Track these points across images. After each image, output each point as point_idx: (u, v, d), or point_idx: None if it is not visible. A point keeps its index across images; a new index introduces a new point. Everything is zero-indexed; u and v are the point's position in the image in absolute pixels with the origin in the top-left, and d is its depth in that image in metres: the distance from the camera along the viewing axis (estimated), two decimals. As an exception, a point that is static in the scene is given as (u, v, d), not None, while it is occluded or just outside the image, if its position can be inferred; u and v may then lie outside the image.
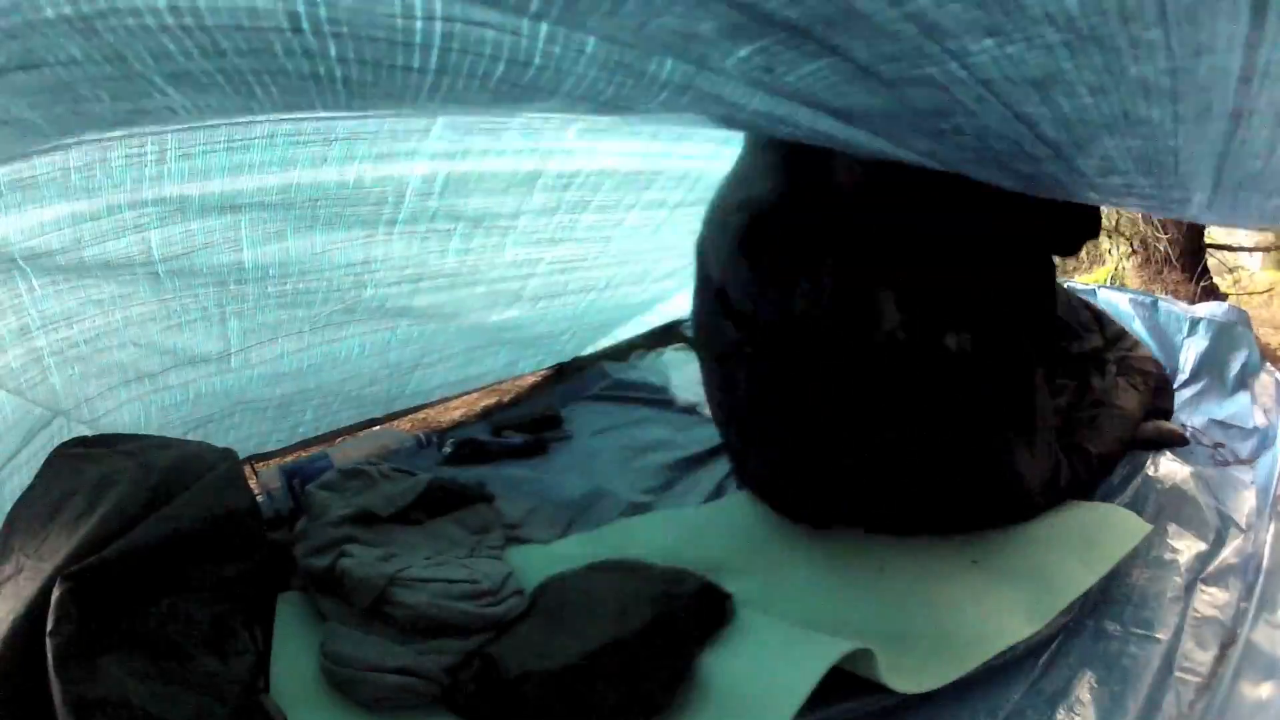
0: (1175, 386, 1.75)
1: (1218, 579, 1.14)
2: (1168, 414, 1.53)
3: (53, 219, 1.03)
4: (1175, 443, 1.50)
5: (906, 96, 0.52)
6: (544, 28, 0.42)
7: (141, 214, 1.11)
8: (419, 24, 0.40)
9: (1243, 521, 1.28)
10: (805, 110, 0.57)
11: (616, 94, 0.52)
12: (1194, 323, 1.80)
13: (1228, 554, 1.19)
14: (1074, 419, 1.34)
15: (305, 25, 0.39)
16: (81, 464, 1.04)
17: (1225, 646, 1.02)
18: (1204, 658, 1.00)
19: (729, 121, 0.63)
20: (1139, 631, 1.05)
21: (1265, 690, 0.95)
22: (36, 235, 1.03)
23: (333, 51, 0.41)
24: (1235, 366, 1.69)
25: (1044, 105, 0.50)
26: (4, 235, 1.01)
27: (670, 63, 0.49)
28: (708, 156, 1.62)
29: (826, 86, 0.51)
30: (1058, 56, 0.43)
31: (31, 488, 1.03)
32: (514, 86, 0.48)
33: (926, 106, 0.53)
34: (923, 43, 0.43)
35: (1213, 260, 3.15)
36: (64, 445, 1.11)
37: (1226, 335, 1.74)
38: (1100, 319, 1.61)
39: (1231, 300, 1.90)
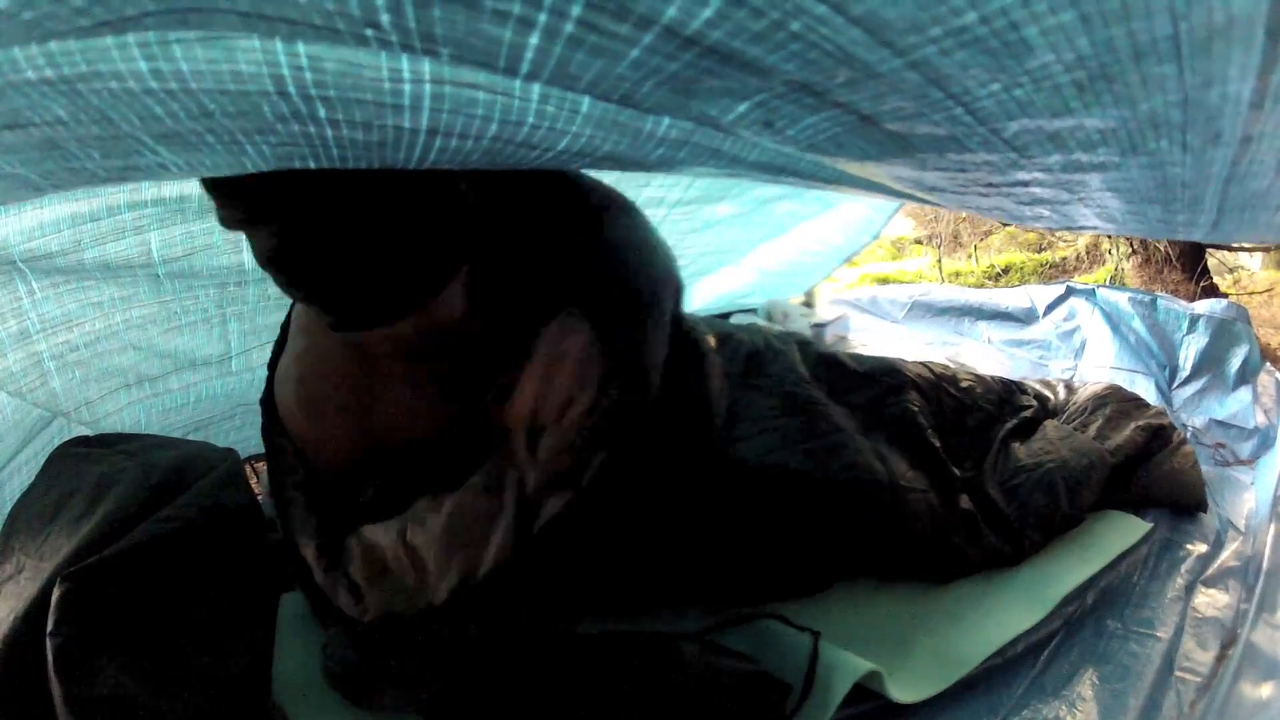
0: (1175, 385, 1.75)
1: (1218, 580, 1.14)
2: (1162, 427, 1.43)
3: (52, 220, 1.03)
4: (1193, 505, 1.32)
5: (909, 144, 0.52)
6: (536, 88, 0.42)
7: (141, 215, 1.11)
8: (407, 86, 0.40)
9: (1242, 523, 1.28)
10: (808, 159, 0.57)
11: (613, 150, 0.52)
12: (1193, 320, 1.80)
13: (1228, 555, 1.19)
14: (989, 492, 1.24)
15: (291, 88, 0.39)
16: (82, 464, 1.04)
17: (1225, 647, 1.03)
18: (1204, 658, 1.01)
19: (729, 172, 0.63)
20: (1140, 630, 1.05)
21: (1265, 690, 0.95)
22: (36, 237, 1.04)
23: (321, 113, 0.41)
24: (1235, 364, 1.69)
25: (1051, 143, 0.50)
26: (3, 237, 1.01)
27: (667, 120, 0.49)
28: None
29: (829, 139, 0.51)
30: (1066, 96, 0.43)
31: (32, 488, 1.04)
32: (508, 144, 0.48)
33: (930, 151, 0.53)
34: (927, 90, 0.43)
35: (1213, 260, 3.16)
36: (65, 445, 1.11)
37: (1226, 332, 1.74)
38: (1038, 396, 1.52)
39: (1232, 300, 1.90)
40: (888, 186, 0.67)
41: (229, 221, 0.70)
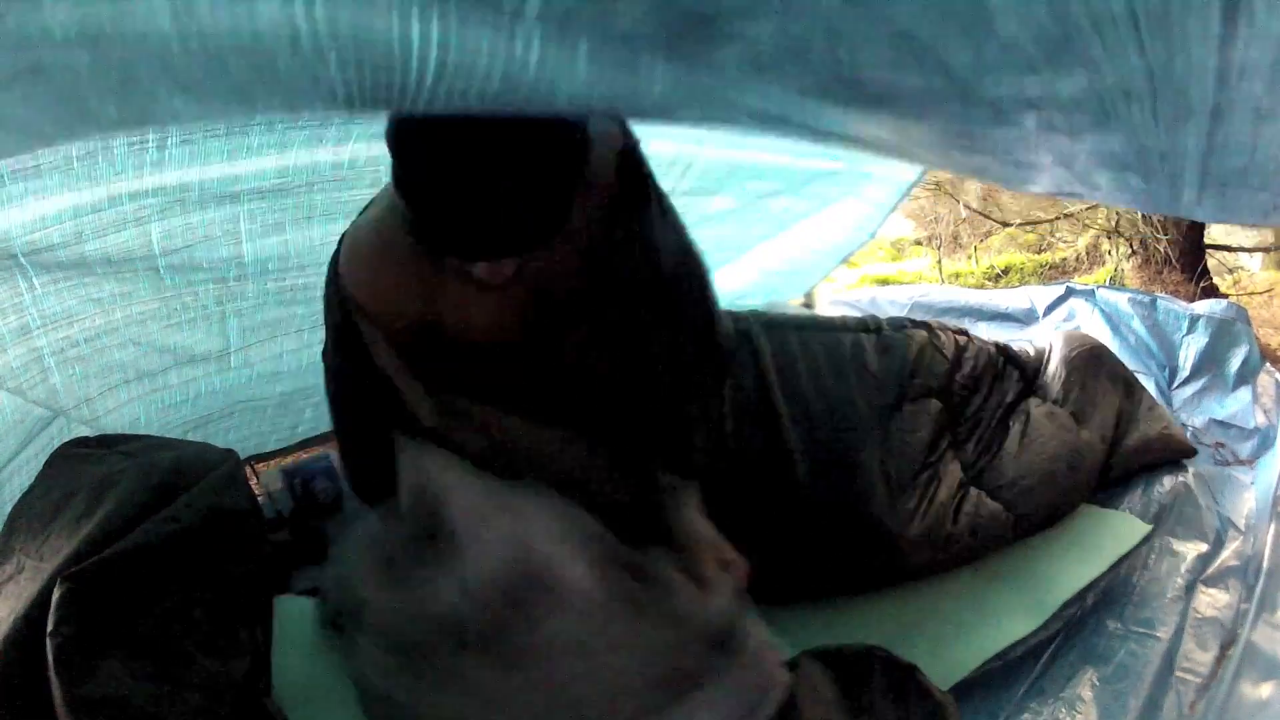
0: (1175, 385, 1.76)
1: (1218, 580, 1.14)
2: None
3: (54, 212, 1.02)
4: (1183, 454, 1.46)
5: (891, 99, 0.53)
6: (538, 32, 0.43)
7: (142, 205, 1.10)
8: (415, 34, 0.42)
9: (1242, 522, 1.28)
10: (808, 106, 0.57)
11: (610, 93, 0.53)
12: (1193, 320, 1.80)
13: (1228, 555, 1.19)
14: (988, 467, 1.31)
15: (305, 43, 0.40)
16: (82, 465, 1.04)
17: (1225, 646, 1.03)
18: (1204, 658, 1.01)
19: (726, 122, 0.65)
20: (1140, 630, 1.05)
21: (1265, 690, 0.95)
22: (38, 229, 1.03)
23: (333, 63, 0.43)
24: (1235, 364, 1.69)
25: (1027, 106, 0.52)
26: (5, 230, 1.01)
27: (661, 65, 0.50)
28: (697, 141, 1.61)
29: (816, 85, 0.52)
30: (1034, 62, 0.44)
31: (32, 488, 1.04)
32: (511, 90, 0.49)
33: (911, 105, 0.54)
34: (903, 53, 0.44)
35: (1213, 260, 3.16)
36: (65, 446, 1.11)
37: (1226, 332, 1.74)
38: (1019, 363, 1.57)
39: (1231, 300, 1.90)
40: (880, 139, 0.68)
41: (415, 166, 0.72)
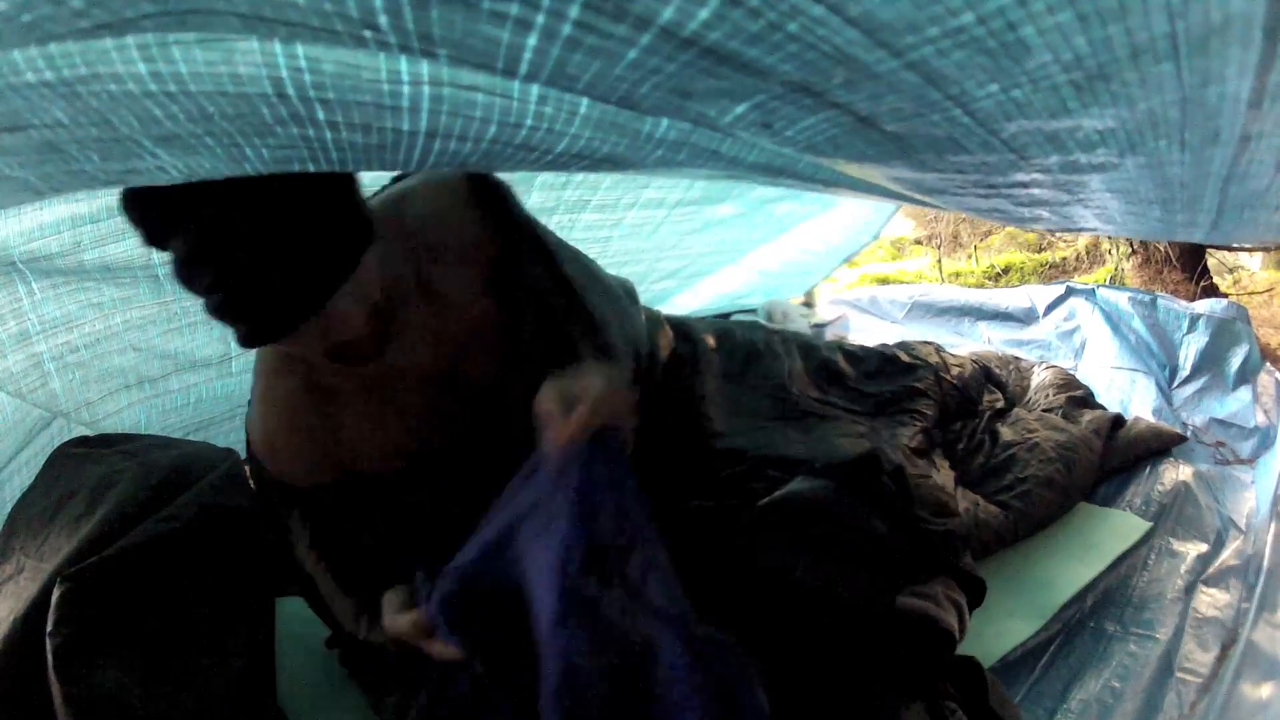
0: (1176, 384, 1.76)
1: (1218, 579, 1.14)
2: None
3: (52, 221, 1.03)
4: (1174, 443, 1.49)
5: (908, 145, 0.51)
6: (535, 90, 0.42)
7: (141, 216, 1.11)
8: (405, 88, 0.40)
9: (1243, 522, 1.28)
10: (806, 160, 0.56)
11: (612, 152, 0.52)
12: (1193, 319, 1.80)
13: (1228, 554, 1.19)
14: (985, 468, 1.35)
15: (290, 90, 0.39)
16: (82, 464, 1.04)
17: (1226, 647, 1.02)
18: (1205, 658, 1.00)
19: (728, 174, 0.63)
20: (1139, 632, 1.05)
21: (1266, 690, 0.95)
22: (36, 238, 1.04)
23: (320, 115, 0.41)
24: (1235, 363, 1.69)
25: (1049, 144, 0.50)
26: (3, 238, 1.01)
27: (666, 121, 0.49)
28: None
29: (827, 140, 0.51)
30: (1064, 96, 0.42)
31: (32, 488, 1.04)
32: (507, 146, 0.48)
33: (928, 152, 0.53)
34: (925, 90, 0.42)
35: (1213, 260, 3.15)
36: (65, 445, 1.11)
37: (1226, 331, 1.74)
38: (1000, 385, 1.65)
39: (1232, 300, 1.90)
40: (886, 188, 0.67)
41: (150, 238, 0.71)
